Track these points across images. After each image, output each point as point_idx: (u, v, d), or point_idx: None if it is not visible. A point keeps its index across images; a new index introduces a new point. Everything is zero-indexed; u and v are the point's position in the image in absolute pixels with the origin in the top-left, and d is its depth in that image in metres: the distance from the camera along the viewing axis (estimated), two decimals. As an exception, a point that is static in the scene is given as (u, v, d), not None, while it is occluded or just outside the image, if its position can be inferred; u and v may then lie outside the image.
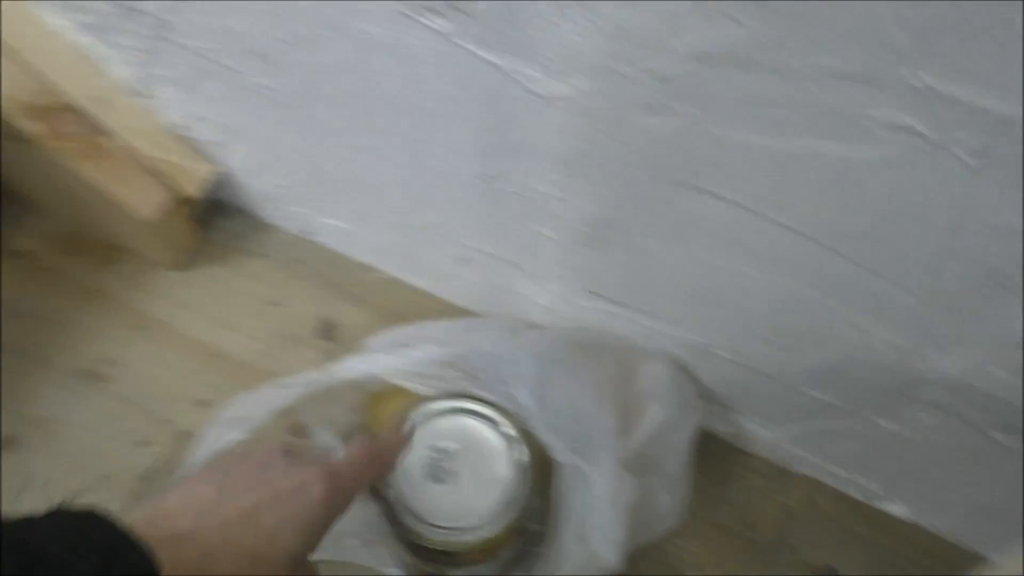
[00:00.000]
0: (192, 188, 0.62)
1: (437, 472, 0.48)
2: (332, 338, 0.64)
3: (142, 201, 0.60)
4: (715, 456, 0.61)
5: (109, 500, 0.56)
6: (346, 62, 0.47)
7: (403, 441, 0.48)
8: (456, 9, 0.40)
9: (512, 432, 0.49)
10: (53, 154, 0.57)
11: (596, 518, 0.50)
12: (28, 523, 0.29)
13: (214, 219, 0.67)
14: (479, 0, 0.39)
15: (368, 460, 0.43)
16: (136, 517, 0.33)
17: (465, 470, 0.49)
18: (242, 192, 0.67)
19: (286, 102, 0.54)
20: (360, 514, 0.50)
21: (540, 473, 0.50)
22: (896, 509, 0.60)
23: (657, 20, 0.36)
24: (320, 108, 0.53)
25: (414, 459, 0.48)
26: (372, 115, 0.51)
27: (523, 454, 0.49)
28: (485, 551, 0.48)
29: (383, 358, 0.53)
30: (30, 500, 0.56)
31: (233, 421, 0.54)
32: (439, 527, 0.47)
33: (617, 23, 0.37)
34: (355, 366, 0.53)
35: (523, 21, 0.39)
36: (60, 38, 0.57)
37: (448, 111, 0.47)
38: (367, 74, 0.47)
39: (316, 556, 0.39)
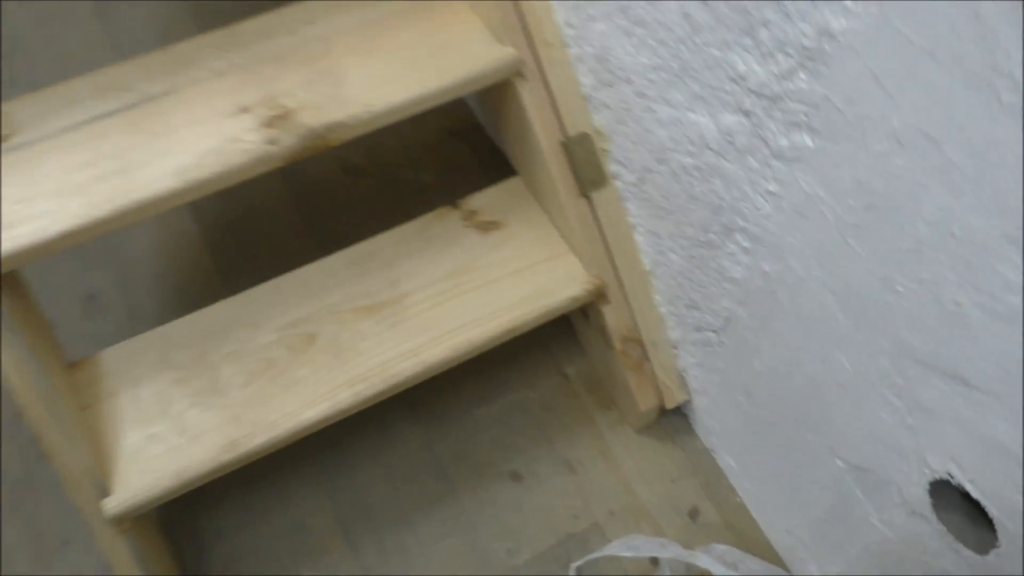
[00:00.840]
0: (670, 403, 1.08)
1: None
2: (695, 520, 1.07)
3: (645, 401, 1.06)
4: None
5: (545, 543, 1.03)
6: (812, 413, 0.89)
7: None
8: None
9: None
10: (617, 359, 1.05)
11: None
12: None
13: (668, 413, 1.13)
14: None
15: None
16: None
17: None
18: (690, 409, 1.11)
19: (757, 415, 0.96)
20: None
21: None
22: None
23: None
24: (775, 433, 0.95)
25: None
26: (817, 467, 0.92)
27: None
28: None
29: (719, 567, 0.94)
30: (521, 521, 1.05)
31: (629, 546, 0.99)
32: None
33: None
34: (702, 560, 0.95)
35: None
36: (656, 311, 1.04)
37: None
38: (825, 430, 0.89)
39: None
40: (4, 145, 0.86)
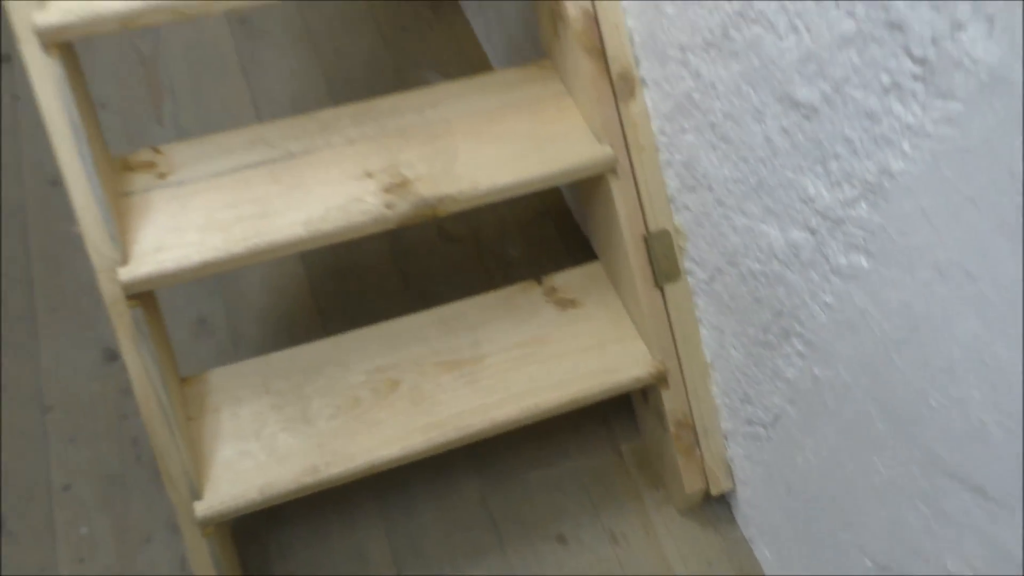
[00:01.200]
0: (715, 490, 1.14)
1: None
2: (726, 606, 1.12)
3: (691, 484, 1.13)
4: None
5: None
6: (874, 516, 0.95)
7: None
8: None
9: None
10: (670, 441, 1.12)
11: None
12: None
13: (712, 500, 1.19)
14: None
15: None
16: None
17: None
18: (733, 498, 1.17)
19: (795, 510, 1.02)
20: None
21: None
22: None
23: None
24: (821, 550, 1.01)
25: None
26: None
27: None
28: None
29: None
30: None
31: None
32: None
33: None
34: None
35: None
36: (712, 402, 1.12)
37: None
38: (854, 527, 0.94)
39: None
40: (162, 181, 0.99)
